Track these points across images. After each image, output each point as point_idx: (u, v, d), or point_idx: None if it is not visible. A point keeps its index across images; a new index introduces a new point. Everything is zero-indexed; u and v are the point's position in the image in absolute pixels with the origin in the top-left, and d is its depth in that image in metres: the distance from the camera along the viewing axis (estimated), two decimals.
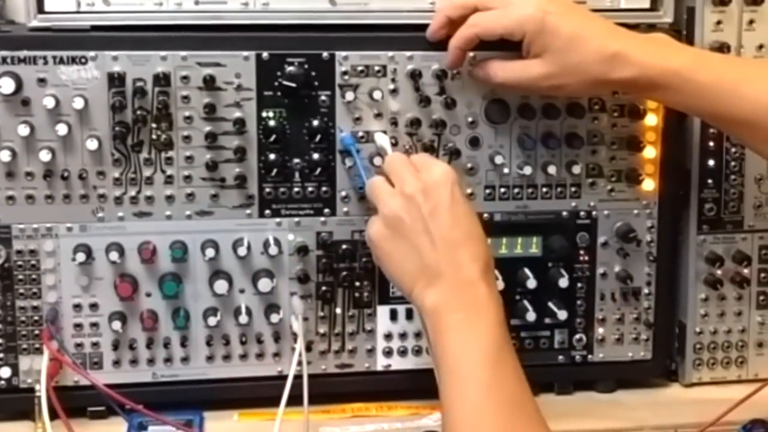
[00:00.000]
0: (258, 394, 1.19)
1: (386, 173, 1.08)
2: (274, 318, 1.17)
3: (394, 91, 1.16)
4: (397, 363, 1.22)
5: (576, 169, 1.20)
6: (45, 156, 1.11)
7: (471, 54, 1.15)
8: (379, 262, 1.06)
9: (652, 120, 1.21)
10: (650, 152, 1.21)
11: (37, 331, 1.15)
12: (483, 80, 1.14)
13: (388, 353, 1.22)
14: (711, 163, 1.24)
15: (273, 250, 1.16)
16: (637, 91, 1.13)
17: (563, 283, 1.20)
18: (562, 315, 1.21)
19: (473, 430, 0.91)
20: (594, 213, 1.22)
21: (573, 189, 1.21)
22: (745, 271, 1.26)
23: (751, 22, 1.22)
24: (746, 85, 1.04)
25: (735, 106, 1.04)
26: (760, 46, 1.23)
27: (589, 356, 1.25)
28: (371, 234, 1.05)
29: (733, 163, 1.24)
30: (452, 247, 1.00)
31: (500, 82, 1.13)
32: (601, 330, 1.25)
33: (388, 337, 1.22)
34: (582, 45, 1.06)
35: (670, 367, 1.29)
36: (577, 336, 1.24)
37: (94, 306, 1.16)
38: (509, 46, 1.11)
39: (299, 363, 1.14)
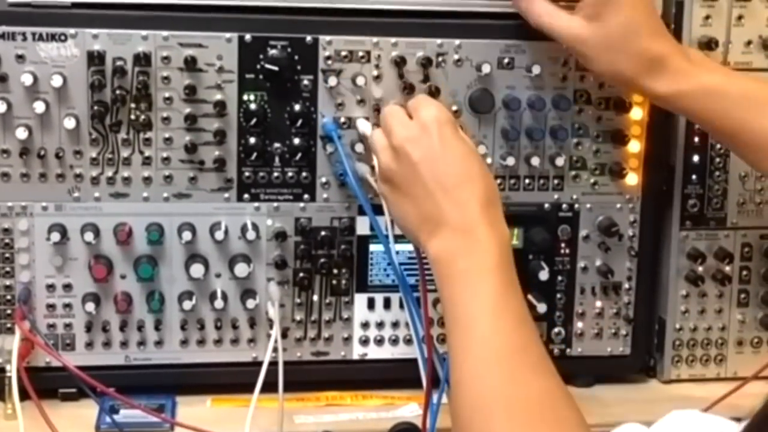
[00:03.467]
0: (232, 380, 1.18)
1: (380, 125, 1.06)
2: (250, 304, 1.16)
3: (377, 78, 1.14)
4: (374, 352, 1.21)
5: (559, 162, 1.19)
6: (21, 133, 1.09)
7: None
8: (388, 212, 1.06)
9: (637, 114, 1.20)
10: (635, 146, 1.20)
11: (9, 311, 1.14)
12: (523, 14, 1.12)
13: (364, 342, 1.21)
14: (695, 159, 1.23)
15: (251, 234, 1.14)
16: (664, 103, 1.11)
17: (543, 276, 1.19)
18: (542, 308, 1.20)
19: (473, 382, 0.88)
20: (576, 206, 1.21)
21: (556, 181, 1.20)
22: (727, 268, 1.25)
23: (739, 17, 1.21)
24: None
25: (761, 125, 1.04)
26: (749, 42, 1.22)
27: (568, 350, 1.24)
28: (378, 190, 1.05)
29: (717, 160, 1.23)
30: (448, 191, 0.97)
31: (540, 25, 1.11)
32: (580, 324, 1.24)
33: (365, 325, 1.20)
34: (630, 35, 1.05)
35: (649, 363, 1.28)
36: (556, 330, 1.23)
37: (67, 287, 1.14)
38: None
39: (275, 350, 1.13)
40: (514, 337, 0.90)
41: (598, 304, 1.24)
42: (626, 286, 1.24)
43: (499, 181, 1.18)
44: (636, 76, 1.06)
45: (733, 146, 1.14)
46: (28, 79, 1.08)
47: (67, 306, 1.15)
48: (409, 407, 1.18)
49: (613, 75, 1.08)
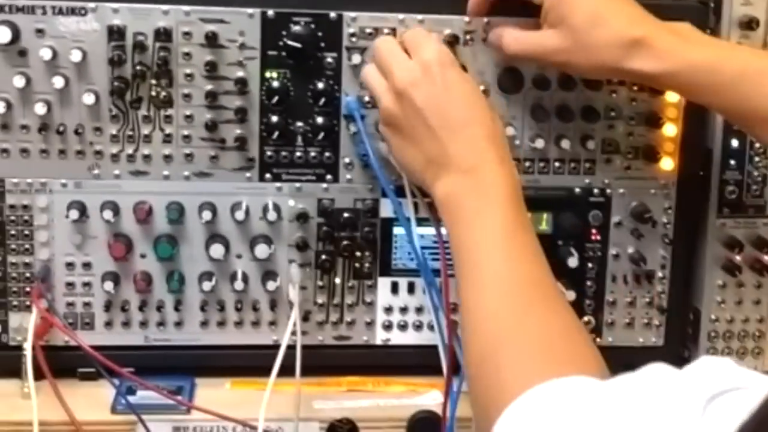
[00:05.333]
0: (252, 363, 1.16)
1: (376, 63, 1.04)
2: (271, 285, 1.14)
3: None
4: (397, 337, 1.18)
5: (591, 144, 1.15)
6: (40, 109, 1.08)
7: (485, 20, 1.11)
8: (392, 155, 1.05)
9: (673, 96, 1.15)
10: (670, 129, 1.16)
11: (28, 288, 1.12)
12: (497, 49, 1.10)
13: (387, 327, 1.18)
14: (734, 143, 1.18)
15: (272, 215, 1.12)
16: (654, 83, 1.07)
17: (572, 262, 1.16)
18: (570, 296, 1.16)
19: (483, 319, 0.87)
20: (608, 191, 1.17)
21: (587, 165, 1.16)
22: (766, 257, 1.20)
23: None
24: None
25: (761, 101, 0.98)
26: None
27: (598, 340, 1.20)
28: (380, 131, 1.04)
29: (757, 145, 1.18)
30: (452, 133, 0.96)
31: (514, 53, 1.08)
32: (611, 313, 1.20)
33: (389, 310, 1.18)
34: (600, 26, 1.00)
35: (683, 354, 1.24)
36: (586, 318, 1.19)
37: (87, 265, 1.13)
38: (529, 13, 1.07)
39: (294, 333, 1.11)
40: (525, 272, 0.89)
41: (630, 292, 1.20)
42: (659, 274, 1.20)
43: (527, 164, 1.15)
44: (618, 62, 1.01)
45: (736, 123, 1.09)
46: (47, 54, 1.06)
47: (87, 285, 1.13)
48: (431, 394, 1.15)
49: (597, 69, 1.03)
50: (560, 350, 0.83)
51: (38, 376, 1.08)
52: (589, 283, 1.19)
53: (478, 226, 0.91)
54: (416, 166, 0.99)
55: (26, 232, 1.12)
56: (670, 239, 1.19)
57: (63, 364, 1.12)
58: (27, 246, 1.12)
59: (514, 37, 1.07)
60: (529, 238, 0.92)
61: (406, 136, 1.00)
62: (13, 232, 1.12)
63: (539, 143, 1.14)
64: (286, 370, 1.09)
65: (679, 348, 1.23)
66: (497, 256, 0.89)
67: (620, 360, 1.20)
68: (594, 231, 1.18)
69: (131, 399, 1.10)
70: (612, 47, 1.01)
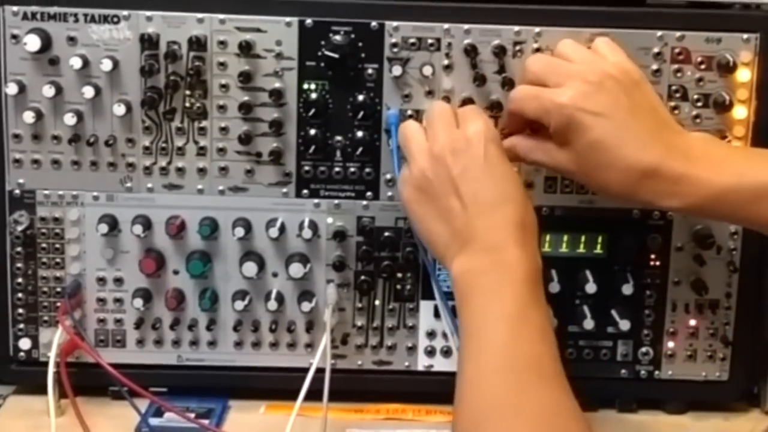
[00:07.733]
0: (288, 386, 1.10)
1: (426, 121, 0.99)
2: (306, 306, 1.09)
3: (447, 67, 1.05)
4: (440, 364, 1.12)
5: None
6: (70, 119, 1.05)
7: (536, 30, 1.04)
8: (412, 224, 0.99)
9: (741, 113, 1.07)
10: None
11: (59, 303, 1.09)
12: (514, 159, 1.01)
13: (430, 353, 1.12)
14: None
15: (307, 233, 1.07)
16: (670, 210, 1.03)
17: (627, 289, 1.08)
18: (624, 325, 1.09)
19: (479, 389, 0.84)
20: (669, 213, 1.09)
21: None
22: None
23: None
24: None
25: None
26: None
27: (656, 372, 1.12)
28: (403, 195, 0.98)
29: None
30: (483, 209, 0.91)
31: (530, 162, 1.01)
32: (671, 344, 1.12)
33: (431, 335, 1.12)
34: (606, 156, 0.93)
35: (752, 390, 1.16)
36: (643, 349, 1.12)
37: (118, 281, 1.10)
38: None
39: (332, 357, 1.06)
40: (528, 351, 0.85)
41: (692, 322, 1.12)
42: (725, 304, 1.11)
43: None
44: (634, 193, 0.94)
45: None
46: (77, 63, 1.03)
47: (118, 301, 1.10)
48: None
49: (610, 195, 0.97)
50: (551, 429, 0.81)
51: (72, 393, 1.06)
52: (647, 311, 1.11)
53: (488, 302, 0.88)
54: (439, 239, 0.94)
55: (57, 246, 1.09)
56: (736, 267, 1.10)
57: (96, 381, 1.09)
58: (58, 260, 1.09)
59: (528, 147, 1.00)
60: (539, 319, 0.88)
61: (434, 205, 0.94)
62: (44, 245, 1.09)
63: None
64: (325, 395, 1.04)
65: (746, 383, 1.15)
66: (502, 331, 0.86)
67: (681, 395, 1.15)
68: (653, 256, 1.10)
69: (158, 421, 1.07)
70: (622, 176, 0.94)
